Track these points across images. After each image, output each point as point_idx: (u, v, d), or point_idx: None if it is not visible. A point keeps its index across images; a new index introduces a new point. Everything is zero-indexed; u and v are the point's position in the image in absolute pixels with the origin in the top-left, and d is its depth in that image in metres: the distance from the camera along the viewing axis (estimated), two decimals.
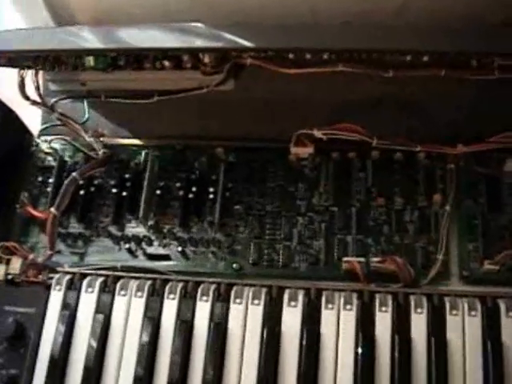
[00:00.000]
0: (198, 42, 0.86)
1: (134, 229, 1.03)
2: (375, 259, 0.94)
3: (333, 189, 1.02)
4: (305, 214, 1.01)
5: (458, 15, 0.96)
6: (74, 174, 0.99)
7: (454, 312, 0.89)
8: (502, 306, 0.88)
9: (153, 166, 1.05)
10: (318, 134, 0.97)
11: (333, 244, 0.99)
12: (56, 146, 1.10)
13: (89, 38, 0.87)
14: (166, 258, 1.01)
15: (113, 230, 1.03)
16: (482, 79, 0.94)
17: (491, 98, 1.01)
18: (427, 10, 0.98)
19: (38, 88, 1.02)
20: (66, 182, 0.98)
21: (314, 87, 1.04)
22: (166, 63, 0.97)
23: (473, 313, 0.88)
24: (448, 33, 0.89)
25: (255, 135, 1.06)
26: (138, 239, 1.02)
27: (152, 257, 1.01)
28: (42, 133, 1.10)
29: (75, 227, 1.04)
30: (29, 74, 1.01)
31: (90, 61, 0.94)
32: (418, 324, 0.88)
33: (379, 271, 0.95)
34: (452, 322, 0.88)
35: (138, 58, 0.95)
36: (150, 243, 1.02)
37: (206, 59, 0.95)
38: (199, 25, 0.87)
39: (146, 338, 0.89)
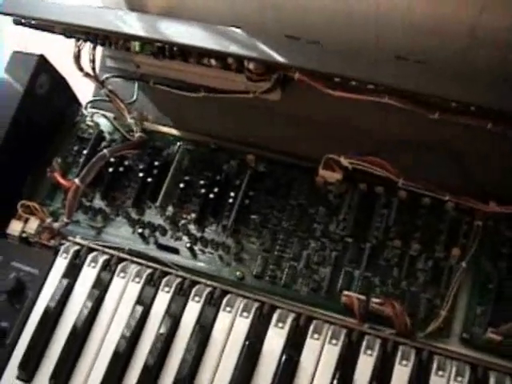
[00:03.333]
0: (232, 48, 0.86)
1: (152, 216, 1.04)
2: (375, 300, 0.91)
3: (353, 219, 0.99)
4: (318, 239, 0.99)
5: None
6: (105, 150, 1.02)
7: (440, 373, 0.86)
8: (492, 380, 0.85)
9: (182, 158, 1.06)
10: (344, 161, 0.96)
11: (339, 275, 0.97)
12: (98, 120, 1.12)
13: (132, 24, 0.89)
14: (175, 251, 1.01)
15: (132, 212, 1.05)
16: None
17: None
18: (491, 57, 0.95)
19: (92, 61, 1.05)
20: (95, 156, 1.01)
21: (361, 115, 1.02)
22: (213, 62, 0.98)
23: (459, 378, 0.85)
24: (498, 88, 0.87)
25: (289, 150, 1.05)
26: (152, 227, 1.03)
27: (162, 247, 1.02)
28: (90, 105, 1.13)
29: (98, 202, 1.07)
30: (87, 47, 1.05)
31: (136, 46, 0.96)
32: (400, 376, 0.86)
33: (377, 313, 0.92)
34: (435, 382, 0.85)
35: (183, 52, 0.96)
36: (164, 233, 1.03)
37: (251, 66, 0.95)
38: (239, 31, 0.88)
39: (131, 324, 0.91)
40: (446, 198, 0.96)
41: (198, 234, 1.02)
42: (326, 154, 0.99)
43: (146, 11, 1.06)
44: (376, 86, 0.90)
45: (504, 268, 0.94)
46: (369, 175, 0.97)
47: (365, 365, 0.87)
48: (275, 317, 0.90)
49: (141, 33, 0.89)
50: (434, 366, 0.86)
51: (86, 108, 1.12)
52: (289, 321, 0.90)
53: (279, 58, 0.89)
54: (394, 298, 0.93)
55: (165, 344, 0.90)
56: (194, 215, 1.02)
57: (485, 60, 0.96)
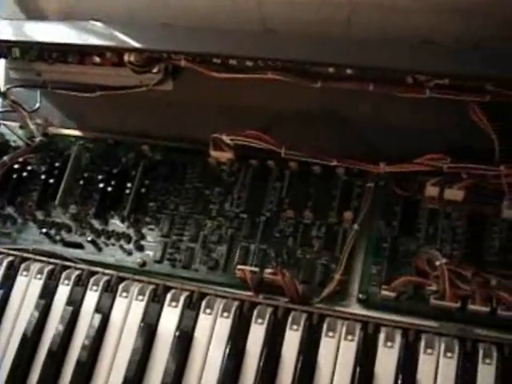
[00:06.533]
0: (93, 40, 0.89)
1: (57, 215, 1.07)
2: (268, 270, 0.92)
3: (246, 196, 1.00)
4: (214, 218, 1.00)
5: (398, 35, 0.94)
6: (4, 157, 1.06)
7: (331, 334, 0.86)
8: (382, 335, 0.85)
9: (79, 156, 1.08)
10: (226, 139, 0.97)
11: (235, 251, 0.98)
12: (3, 131, 1.15)
13: (2, 30, 0.92)
14: (79, 246, 1.03)
15: (38, 214, 1.07)
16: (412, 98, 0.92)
17: (420, 117, 0.97)
18: (370, 27, 0.96)
19: None
20: None
21: (249, 94, 1.04)
22: (97, 59, 1.01)
23: (349, 337, 0.85)
24: (370, 48, 0.88)
25: (185, 136, 1.07)
26: (57, 226, 1.06)
27: (67, 244, 1.04)
28: None
29: (7, 209, 1.09)
30: None
31: (16, 52, 0.99)
32: (291, 341, 0.86)
33: (272, 284, 0.92)
34: (326, 343, 0.85)
35: (62, 52, 0.99)
36: (69, 231, 1.05)
37: (132, 58, 0.98)
38: (99, 24, 0.90)
39: (33, 319, 0.93)
40: (333, 163, 0.96)
41: (100, 228, 1.04)
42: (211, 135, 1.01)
43: (45, 18, 1.10)
44: (254, 62, 0.93)
45: (396, 226, 0.95)
46: (259, 151, 0.99)
47: (256, 334, 0.88)
48: (169, 297, 0.92)
49: (8, 37, 0.92)
50: (324, 327, 0.86)
51: None
52: (182, 299, 0.91)
53: (146, 45, 0.91)
54: (289, 267, 0.94)
55: (66, 331, 0.92)
56: (93, 209, 1.05)
57: (363, 23, 0.97)
